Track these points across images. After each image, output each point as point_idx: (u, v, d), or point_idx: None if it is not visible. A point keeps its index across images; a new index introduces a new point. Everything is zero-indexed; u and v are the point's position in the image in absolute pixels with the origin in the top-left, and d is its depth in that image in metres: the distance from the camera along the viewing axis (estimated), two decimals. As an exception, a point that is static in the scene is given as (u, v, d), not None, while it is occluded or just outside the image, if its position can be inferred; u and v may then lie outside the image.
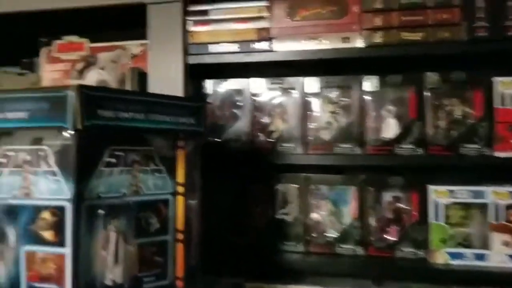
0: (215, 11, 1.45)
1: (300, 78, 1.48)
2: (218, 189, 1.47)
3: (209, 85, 1.57)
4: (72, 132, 0.81)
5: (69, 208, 0.85)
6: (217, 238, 1.47)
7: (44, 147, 0.87)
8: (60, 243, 0.85)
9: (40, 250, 0.86)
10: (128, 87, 1.51)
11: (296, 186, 1.49)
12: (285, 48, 1.40)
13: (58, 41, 1.73)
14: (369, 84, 1.43)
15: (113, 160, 0.90)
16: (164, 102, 0.95)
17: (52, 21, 1.76)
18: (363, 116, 1.43)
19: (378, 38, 1.34)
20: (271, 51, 1.41)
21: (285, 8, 1.41)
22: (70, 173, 0.85)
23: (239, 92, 1.54)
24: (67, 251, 0.84)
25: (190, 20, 1.46)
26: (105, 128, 0.86)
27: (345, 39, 1.36)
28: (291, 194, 1.50)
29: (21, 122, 0.84)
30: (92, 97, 0.83)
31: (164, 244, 0.97)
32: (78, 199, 0.85)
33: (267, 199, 1.50)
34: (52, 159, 0.87)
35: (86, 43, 1.72)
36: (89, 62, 1.72)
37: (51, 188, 0.86)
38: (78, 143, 0.83)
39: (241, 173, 1.50)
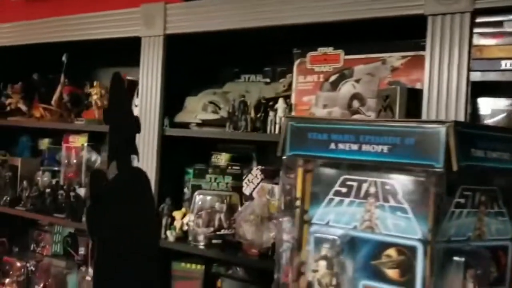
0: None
1: None
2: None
3: (485, 104, 1.41)
4: (443, 172, 0.76)
5: (421, 249, 0.79)
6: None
7: (390, 181, 0.83)
8: (407, 284, 0.80)
9: (382, 287, 0.83)
10: (396, 105, 1.45)
11: None
12: None
13: (311, 53, 1.76)
14: None
15: (462, 201, 0.83)
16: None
17: (303, 32, 1.79)
18: None
19: None
20: None
21: None
22: (425, 213, 0.79)
23: (524, 113, 1.35)
24: (416, 294, 0.79)
25: (477, 32, 1.33)
26: (468, 168, 0.79)
27: None
28: None
29: (379, 156, 0.81)
30: (466, 135, 0.76)
31: (501, 297, 0.87)
32: (432, 240, 0.79)
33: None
34: (400, 195, 0.82)
35: (341, 54, 1.71)
36: (343, 75, 1.70)
37: (399, 226, 0.82)
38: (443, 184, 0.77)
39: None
